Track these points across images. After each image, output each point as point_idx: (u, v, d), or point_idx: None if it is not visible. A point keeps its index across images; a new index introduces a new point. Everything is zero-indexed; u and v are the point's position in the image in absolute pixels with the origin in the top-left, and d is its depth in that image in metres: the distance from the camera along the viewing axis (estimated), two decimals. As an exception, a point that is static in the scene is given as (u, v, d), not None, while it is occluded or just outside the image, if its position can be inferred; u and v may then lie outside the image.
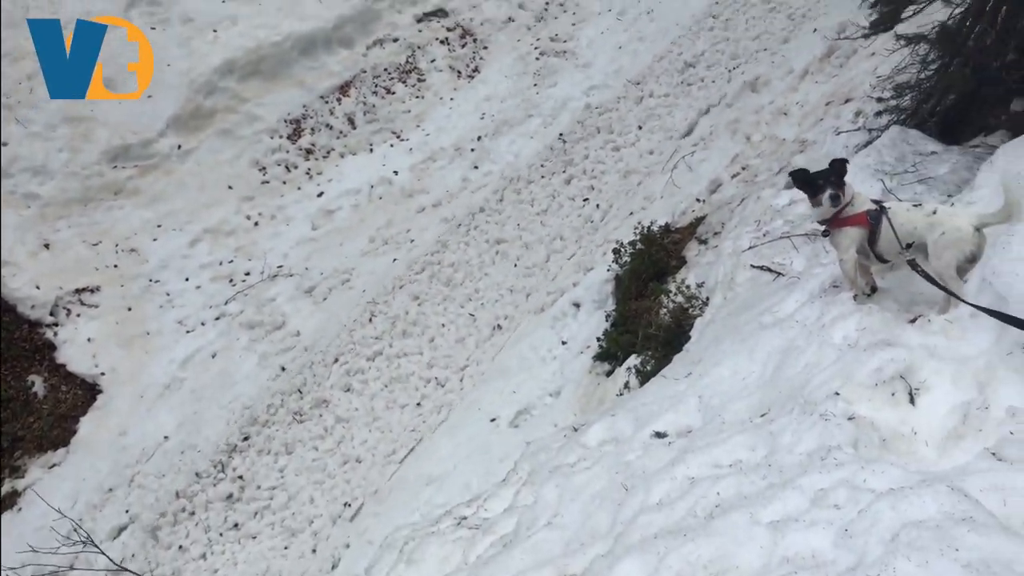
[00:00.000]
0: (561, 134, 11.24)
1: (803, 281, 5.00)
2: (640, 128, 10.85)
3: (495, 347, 9.04)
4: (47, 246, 10.21)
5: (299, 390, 9.19)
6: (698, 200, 8.90)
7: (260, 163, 11.55)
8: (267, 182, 11.44)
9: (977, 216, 3.89)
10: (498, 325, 9.28)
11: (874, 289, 4.41)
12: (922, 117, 6.64)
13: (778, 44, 10.62)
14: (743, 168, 8.93)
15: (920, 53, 6.70)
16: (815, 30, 10.19)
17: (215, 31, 11.92)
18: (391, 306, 9.74)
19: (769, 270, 6.17)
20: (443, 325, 9.46)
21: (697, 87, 10.99)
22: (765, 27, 11.28)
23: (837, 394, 3.56)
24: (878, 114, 7.19)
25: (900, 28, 6.85)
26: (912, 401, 3.46)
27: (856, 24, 8.81)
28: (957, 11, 6.42)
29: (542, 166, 10.87)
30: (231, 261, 10.72)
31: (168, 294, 10.35)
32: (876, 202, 4.21)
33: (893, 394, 3.49)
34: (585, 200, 10.29)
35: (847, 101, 8.51)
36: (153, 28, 11.70)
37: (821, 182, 4.18)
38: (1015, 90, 6.32)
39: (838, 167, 4.20)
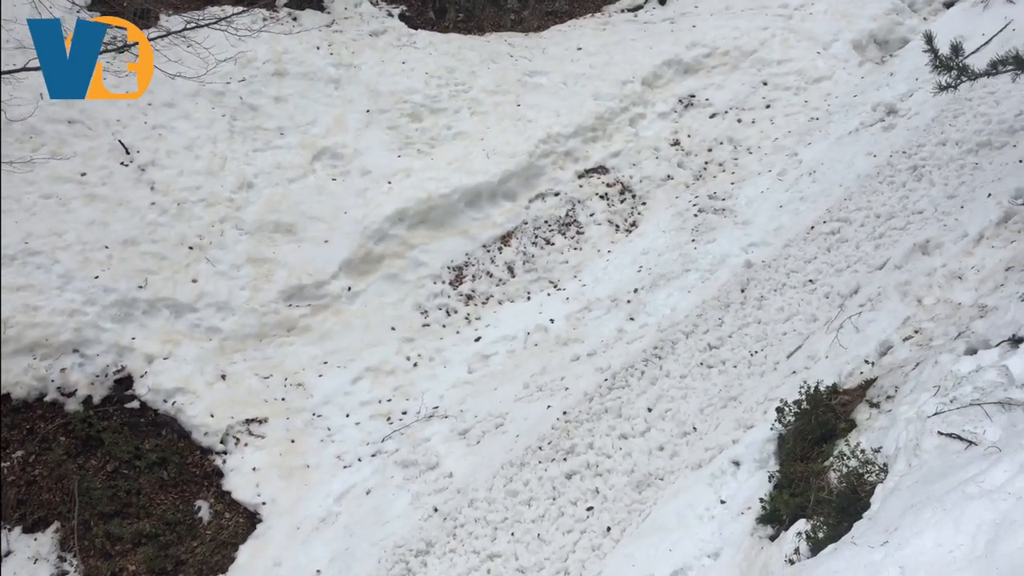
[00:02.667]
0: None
1: (1009, 451, 4.76)
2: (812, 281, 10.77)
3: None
4: (223, 377, 10.79)
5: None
6: (867, 362, 8.65)
7: (422, 307, 12.02)
8: (428, 325, 11.86)
9: None
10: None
11: (1096, 463, 4.18)
12: (1123, 286, 6.37)
13: (952, 206, 10.44)
14: (916, 331, 8.65)
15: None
16: (989, 195, 10.00)
17: (389, 182, 12.73)
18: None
19: (960, 438, 5.91)
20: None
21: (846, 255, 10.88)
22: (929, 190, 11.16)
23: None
24: (1071, 281, 6.93)
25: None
26: None
27: (1039, 189, 8.66)
28: None
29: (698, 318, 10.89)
30: (390, 400, 11.04)
31: (329, 429, 10.69)
32: None
33: None
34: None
35: (1030, 267, 8.24)
36: (334, 179, 12.63)
37: None
38: None
39: None
